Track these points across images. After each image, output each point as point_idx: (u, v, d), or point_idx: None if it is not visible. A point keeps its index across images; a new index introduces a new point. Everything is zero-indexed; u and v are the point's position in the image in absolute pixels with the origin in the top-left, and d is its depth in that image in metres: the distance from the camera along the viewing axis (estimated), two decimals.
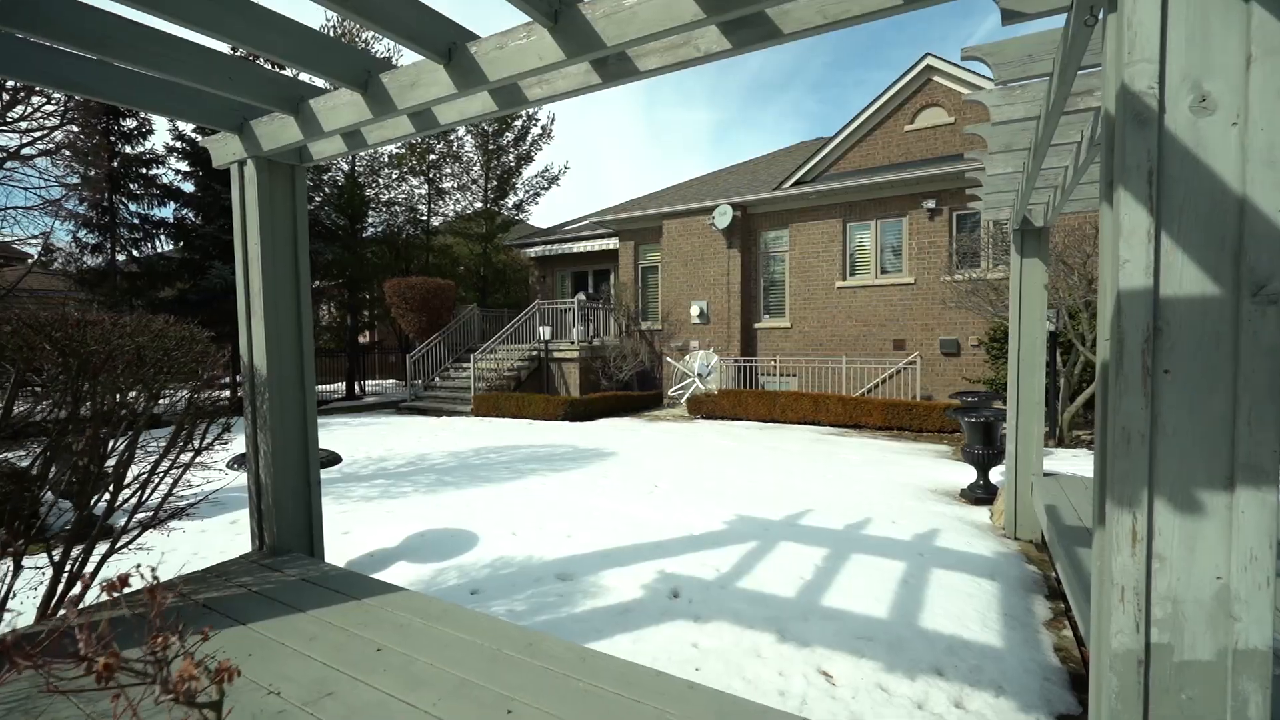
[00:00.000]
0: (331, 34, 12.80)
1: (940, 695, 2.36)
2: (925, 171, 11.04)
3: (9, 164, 9.85)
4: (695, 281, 13.75)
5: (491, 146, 19.94)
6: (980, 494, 5.19)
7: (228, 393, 8.41)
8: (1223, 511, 1.10)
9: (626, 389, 13.34)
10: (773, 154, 18.28)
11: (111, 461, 2.38)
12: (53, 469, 2.40)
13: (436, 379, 14.17)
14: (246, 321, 2.81)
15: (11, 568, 2.17)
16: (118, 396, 2.42)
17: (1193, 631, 1.11)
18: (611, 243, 16.01)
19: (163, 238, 14.10)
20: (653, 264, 15.17)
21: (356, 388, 16.99)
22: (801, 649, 2.69)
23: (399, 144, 18.33)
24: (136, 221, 13.58)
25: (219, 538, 4.18)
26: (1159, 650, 1.13)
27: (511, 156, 20.53)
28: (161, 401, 2.61)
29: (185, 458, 2.53)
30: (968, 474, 5.93)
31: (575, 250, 17.12)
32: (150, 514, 2.45)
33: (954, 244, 11.16)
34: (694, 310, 13.58)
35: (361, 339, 19.74)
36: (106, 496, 2.43)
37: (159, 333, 2.45)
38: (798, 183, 12.78)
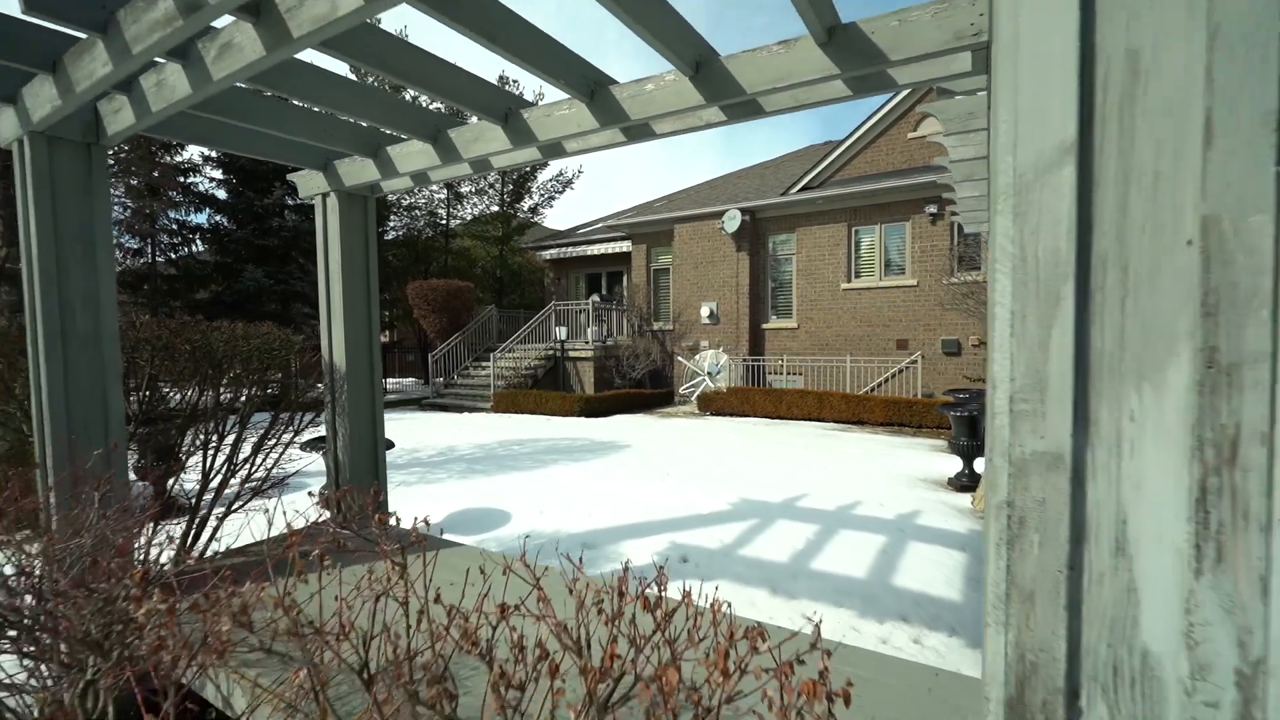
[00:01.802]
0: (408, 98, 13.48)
1: (902, 635, 2.87)
2: (927, 178, 11.45)
3: None
4: (705, 283, 14.25)
5: None
6: (965, 481, 5.68)
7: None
8: None
9: (639, 387, 13.87)
10: (781, 158, 18.72)
11: (230, 439, 2.95)
12: (185, 442, 2.97)
13: (457, 377, 14.78)
14: (327, 326, 3.38)
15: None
16: (233, 387, 2.99)
17: None
18: (624, 245, 16.53)
19: (198, 242, 14.86)
20: (664, 266, 15.68)
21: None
22: (790, 600, 3.22)
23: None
24: (175, 227, 14.34)
25: (300, 505, 4.77)
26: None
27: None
28: (264, 391, 3.18)
29: (285, 437, 3.09)
30: (957, 465, 6.40)
31: (589, 253, 17.65)
32: (258, 483, 3.02)
33: (955, 248, 11.58)
34: (704, 311, 14.08)
35: (383, 338, 20.47)
36: (224, 467, 3.00)
37: (265, 336, 3.02)
38: (805, 188, 13.24)
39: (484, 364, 14.56)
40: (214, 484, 2.91)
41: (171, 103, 2.05)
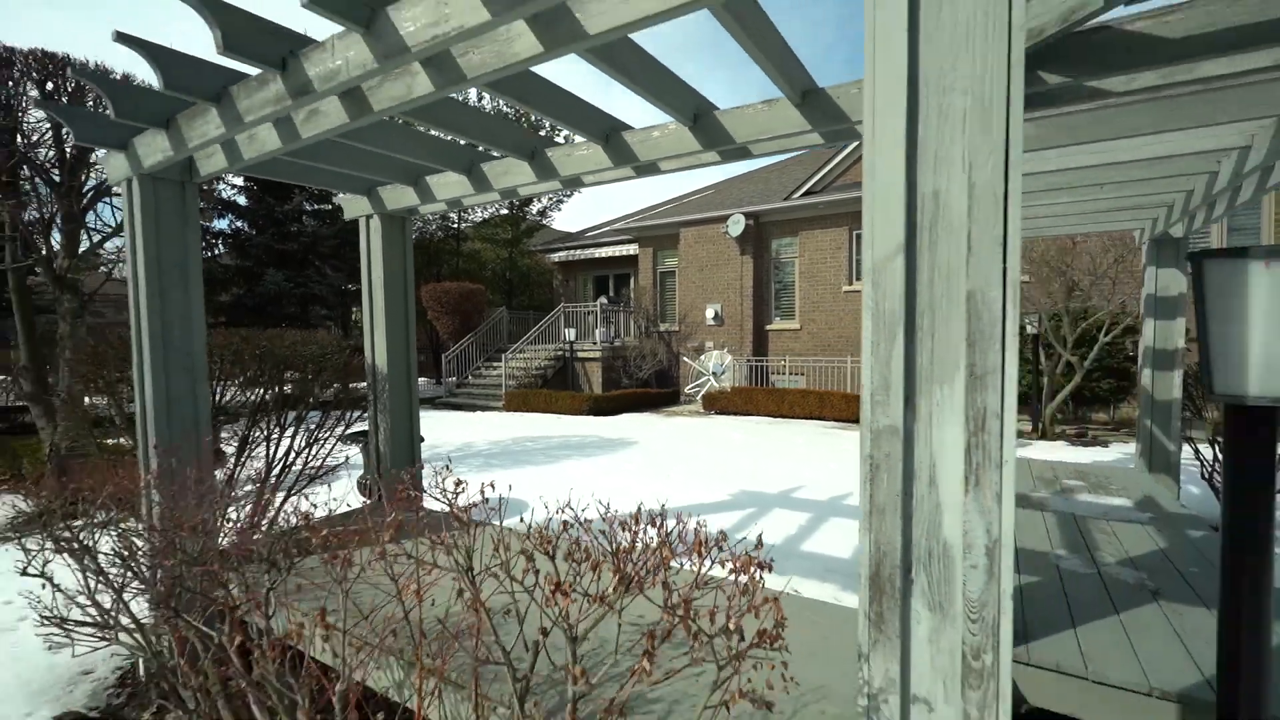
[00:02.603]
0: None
1: None
2: None
3: None
4: (710, 286, 14.64)
5: None
6: None
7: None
8: None
9: (646, 386, 14.28)
10: (784, 163, 19.06)
11: (290, 431, 3.38)
12: (251, 435, 3.41)
13: (469, 377, 15.24)
14: (371, 333, 3.82)
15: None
16: (294, 387, 3.43)
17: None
18: (631, 248, 16.93)
19: (220, 246, 15.40)
20: (670, 269, 16.08)
21: None
22: (780, 577, 3.61)
23: None
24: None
25: (339, 491, 5.22)
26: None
27: None
28: (312, 391, 3.62)
29: (335, 430, 3.52)
30: None
31: (597, 255, 18.07)
32: (314, 470, 3.45)
33: None
34: (709, 313, 14.48)
35: None
36: (285, 456, 3.44)
37: (320, 343, 3.46)
38: (807, 193, 13.61)
39: (495, 364, 15.01)
40: (276, 470, 3.35)
41: (261, 154, 2.49)
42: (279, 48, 1.91)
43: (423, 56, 1.66)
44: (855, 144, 13.35)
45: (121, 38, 1.96)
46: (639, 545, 1.22)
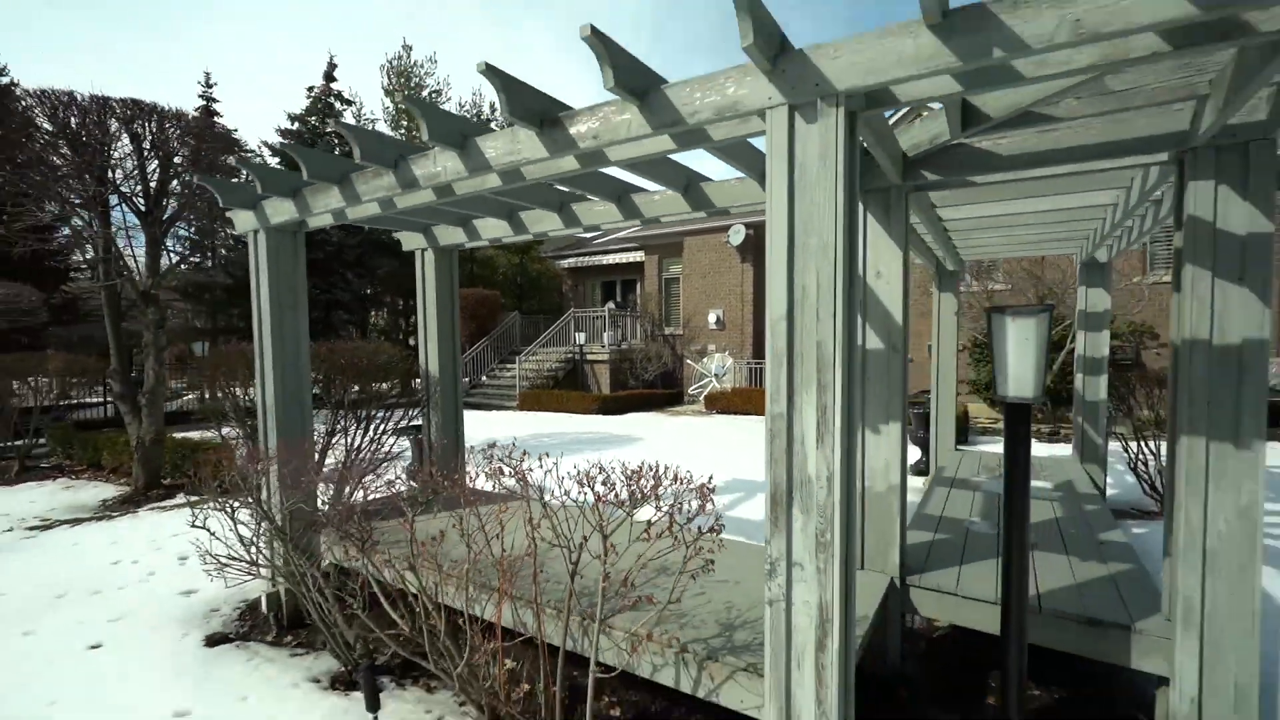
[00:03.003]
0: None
1: None
2: None
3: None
4: (712, 292, 15.46)
5: None
6: (922, 466, 6.85)
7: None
8: (890, 432, 2.84)
9: (651, 387, 15.11)
10: None
11: (363, 425, 4.23)
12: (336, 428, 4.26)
13: (484, 378, 16.11)
14: (424, 344, 4.66)
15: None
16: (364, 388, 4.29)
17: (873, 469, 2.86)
18: (638, 255, 17.75)
19: None
20: (675, 275, 16.90)
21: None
22: (760, 544, 4.43)
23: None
24: (231, 241, 15.81)
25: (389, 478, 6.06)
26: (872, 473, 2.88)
27: None
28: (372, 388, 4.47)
29: (391, 425, 4.36)
30: (916, 454, 7.57)
31: (605, 262, 18.90)
32: (380, 459, 4.29)
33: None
34: (711, 318, 15.29)
35: (410, 341, 21.86)
36: (360, 444, 4.29)
37: (388, 353, 4.30)
38: None
39: (509, 366, 15.87)
40: (355, 455, 4.20)
41: (361, 217, 3.34)
42: (394, 153, 2.75)
43: (497, 170, 2.49)
44: None
45: (279, 150, 2.80)
46: (642, 479, 2.04)
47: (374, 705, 2.45)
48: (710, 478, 2.14)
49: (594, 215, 3.71)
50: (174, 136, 6.59)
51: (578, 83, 41.32)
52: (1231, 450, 2.14)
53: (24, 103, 6.39)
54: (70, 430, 8.57)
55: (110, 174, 6.40)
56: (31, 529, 5.62)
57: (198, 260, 15.47)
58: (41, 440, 8.87)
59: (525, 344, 17.17)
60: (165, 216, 6.54)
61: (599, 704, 2.63)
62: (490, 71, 2.02)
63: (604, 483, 2.09)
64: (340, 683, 2.92)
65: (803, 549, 1.81)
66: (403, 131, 18.87)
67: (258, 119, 41.12)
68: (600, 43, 1.80)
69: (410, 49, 18.83)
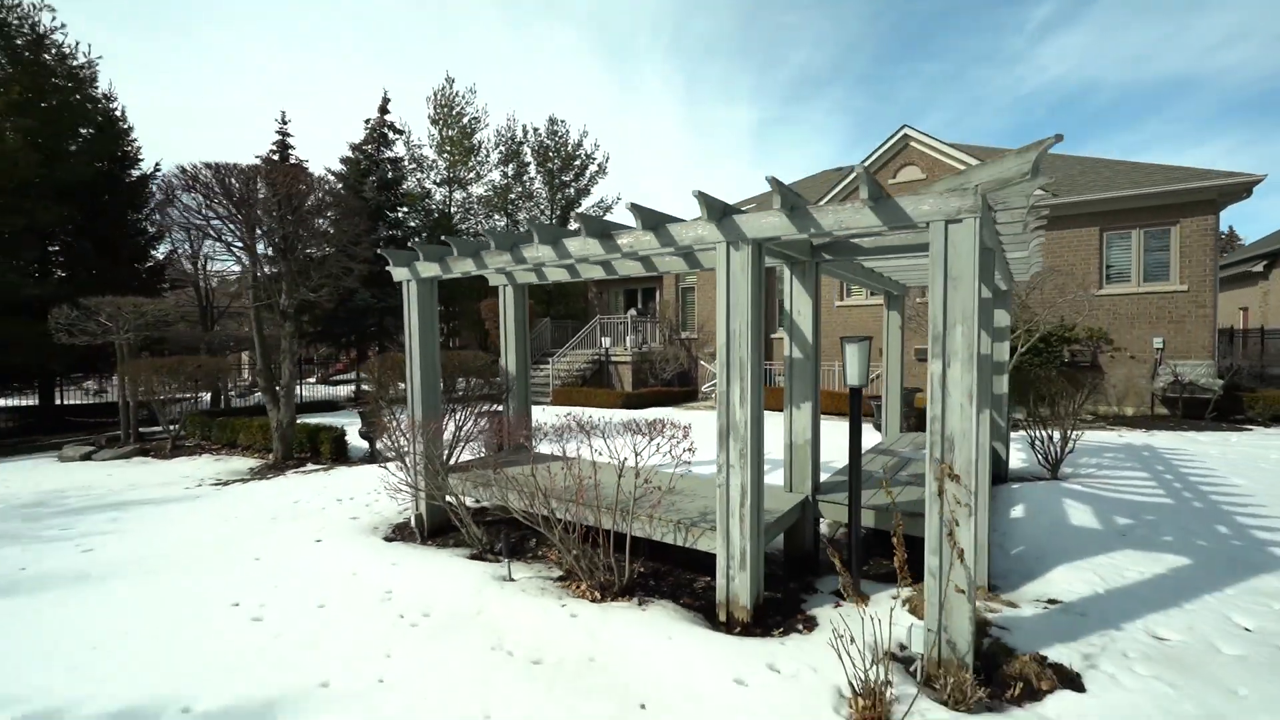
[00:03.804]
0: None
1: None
2: None
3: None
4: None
5: (556, 182, 23.89)
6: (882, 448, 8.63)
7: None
8: (805, 409, 4.71)
9: (669, 386, 16.97)
10: (794, 185, 21.54)
11: (467, 406, 6.18)
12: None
13: None
14: (505, 350, 6.60)
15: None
16: (464, 382, 6.25)
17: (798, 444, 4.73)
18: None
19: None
20: (690, 285, 18.74)
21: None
22: None
23: (489, 190, 22.50)
24: (301, 257, 18.08)
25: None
26: (798, 449, 4.75)
27: (573, 190, 24.43)
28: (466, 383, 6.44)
29: (481, 411, 6.31)
30: (878, 437, 9.35)
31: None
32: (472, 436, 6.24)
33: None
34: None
35: (451, 344, 23.99)
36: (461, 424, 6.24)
37: (481, 359, 6.25)
38: None
39: (543, 366, 17.87)
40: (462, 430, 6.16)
41: (481, 271, 5.30)
42: (512, 241, 4.69)
43: (574, 258, 4.40)
44: (843, 183, 15.72)
45: (499, 232, 4.78)
46: (657, 431, 3.94)
47: (508, 563, 4.38)
48: (689, 426, 4.03)
49: (626, 268, 5.62)
50: (300, 193, 8.67)
51: (597, 84, 43.32)
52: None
53: (197, 172, 8.49)
54: (206, 418, 10.75)
55: (259, 226, 8.50)
56: (215, 485, 7.73)
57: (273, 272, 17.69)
58: (174, 425, 11.06)
59: (555, 347, 19.14)
60: (300, 254, 8.61)
61: (632, 567, 4.52)
62: (582, 217, 3.94)
63: (634, 429, 3.99)
64: (477, 558, 4.86)
65: (735, 457, 3.69)
66: (446, 158, 20.99)
67: (316, 143, 43.87)
68: (636, 211, 3.70)
69: (453, 81, 20.96)
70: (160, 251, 17.08)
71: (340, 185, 17.97)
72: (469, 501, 5.69)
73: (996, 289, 7.22)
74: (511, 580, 4.29)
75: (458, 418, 5.90)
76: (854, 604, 3.58)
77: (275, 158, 18.05)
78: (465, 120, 21.19)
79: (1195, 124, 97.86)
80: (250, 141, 67.46)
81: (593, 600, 3.97)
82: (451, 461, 5.50)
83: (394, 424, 5.66)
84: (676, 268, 5.33)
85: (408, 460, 5.38)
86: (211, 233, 8.56)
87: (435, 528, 5.53)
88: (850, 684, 2.73)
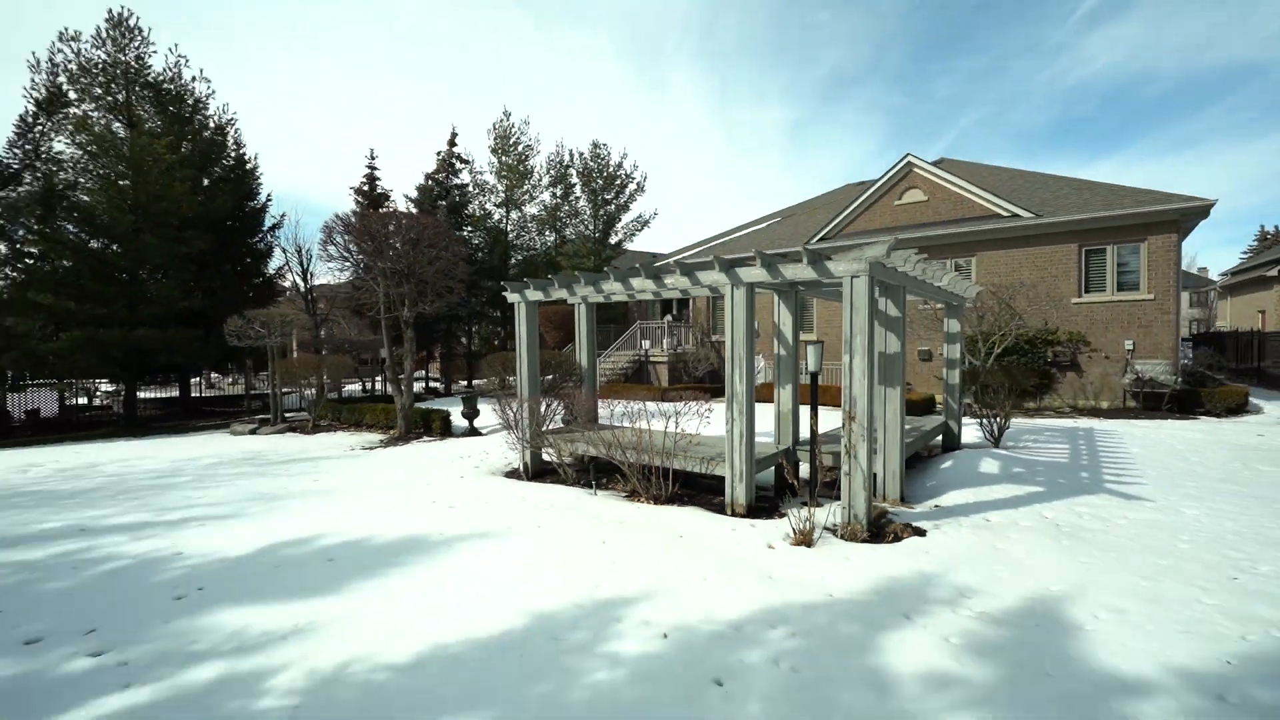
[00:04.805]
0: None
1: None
2: (908, 234, 16.36)
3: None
4: (764, 302, 19.54)
5: (600, 200, 26.49)
6: None
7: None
8: (787, 389, 7.08)
9: (701, 383, 19.32)
10: (813, 200, 23.67)
11: (552, 390, 8.69)
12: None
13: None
14: (579, 350, 9.11)
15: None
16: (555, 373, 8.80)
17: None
18: (704, 260, 21.98)
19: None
20: (721, 293, 21.05)
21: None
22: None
23: (540, 209, 25.30)
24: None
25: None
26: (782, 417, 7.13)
27: (613, 206, 27.00)
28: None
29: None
30: None
31: None
32: (556, 411, 8.75)
33: None
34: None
35: (508, 347, 26.83)
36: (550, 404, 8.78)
37: (559, 357, 8.75)
38: (820, 240, 18.32)
39: None
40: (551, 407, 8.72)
41: (565, 298, 7.81)
42: (594, 279, 7.19)
43: (636, 291, 6.85)
44: (859, 201, 17.95)
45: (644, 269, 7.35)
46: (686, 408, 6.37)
47: (594, 487, 6.87)
48: (711, 409, 6.45)
49: (668, 291, 8.06)
50: (414, 230, 11.39)
51: (626, 85, 45.85)
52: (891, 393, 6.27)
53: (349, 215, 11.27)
54: (335, 404, 13.63)
55: (388, 254, 11.24)
56: (363, 449, 10.48)
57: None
58: (302, 409, 13.97)
59: (600, 348, 21.72)
60: (419, 278, 11.35)
61: (673, 489, 6.90)
62: (644, 266, 6.43)
63: (670, 411, 6.44)
64: (569, 486, 7.35)
65: (735, 414, 6.08)
66: (504, 182, 23.83)
67: (396, 169, 47.55)
68: (678, 266, 6.16)
69: (509, 114, 23.77)
70: (270, 268, 20.33)
71: (416, 209, 20.92)
72: (552, 456, 8.20)
73: (960, 299, 9.37)
74: (595, 495, 6.78)
75: (547, 398, 8.44)
76: (810, 507, 5.93)
77: (365, 188, 21.13)
78: (520, 148, 23.97)
79: (1260, 111, 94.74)
80: (342, 169, 72.56)
81: (649, 504, 6.42)
82: (544, 428, 8.03)
83: (506, 402, 8.22)
84: (703, 294, 7.75)
85: (516, 428, 7.92)
86: (351, 261, 11.34)
87: (536, 471, 8.06)
88: (792, 530, 5.11)
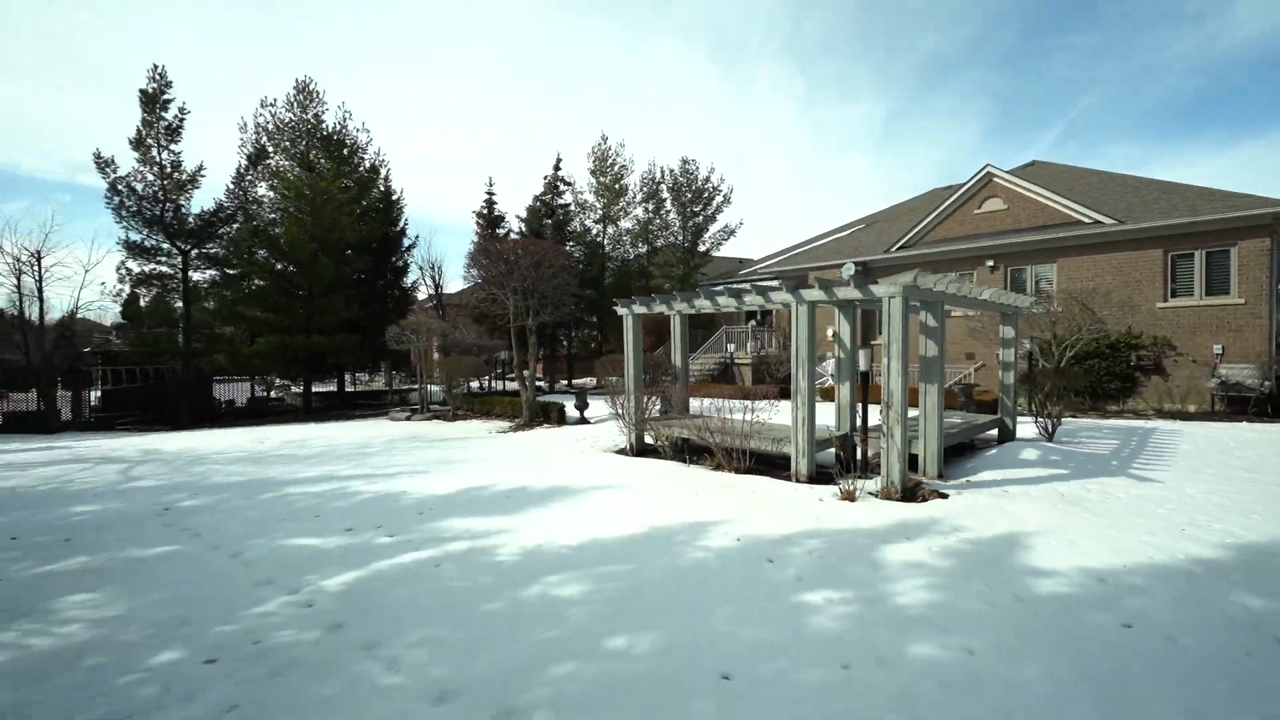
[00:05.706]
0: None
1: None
2: (987, 242, 17.04)
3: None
4: (828, 312, 20.67)
5: (688, 213, 28.37)
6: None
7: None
8: (846, 385, 8.64)
9: (782, 383, 20.68)
10: (897, 207, 24.31)
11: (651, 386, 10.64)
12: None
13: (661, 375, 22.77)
14: (674, 353, 11.03)
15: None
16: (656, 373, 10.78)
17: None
18: (773, 284, 23.40)
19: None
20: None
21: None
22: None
23: (634, 224, 27.61)
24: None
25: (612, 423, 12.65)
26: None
27: (701, 218, 28.78)
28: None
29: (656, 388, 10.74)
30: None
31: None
32: (654, 404, 10.69)
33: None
34: (829, 332, 20.53)
35: (603, 351, 29.33)
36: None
37: (659, 358, 10.69)
38: (901, 247, 19.22)
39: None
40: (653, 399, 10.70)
41: (664, 312, 9.75)
42: (689, 297, 9.08)
43: (721, 307, 8.66)
44: (939, 209, 18.77)
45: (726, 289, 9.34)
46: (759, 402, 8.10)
47: (687, 462, 8.75)
48: (776, 405, 8.15)
49: (747, 306, 9.81)
50: (537, 254, 13.77)
51: (714, 90, 47.40)
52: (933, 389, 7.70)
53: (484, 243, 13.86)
54: (469, 397, 16.40)
55: (516, 275, 13.71)
56: (497, 433, 12.96)
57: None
58: (437, 402, 16.79)
59: (691, 352, 23.57)
60: (542, 295, 13.75)
61: (750, 464, 8.61)
62: (727, 288, 8.26)
63: (749, 406, 8.20)
64: (667, 460, 9.27)
65: (800, 403, 7.74)
66: (601, 200, 26.28)
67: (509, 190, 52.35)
68: (754, 288, 7.93)
69: (606, 138, 26.20)
70: (406, 282, 23.86)
71: (526, 229, 23.77)
72: (652, 438, 10.15)
73: (1017, 309, 10.41)
74: (688, 467, 8.66)
75: (648, 392, 10.44)
76: (861, 478, 7.50)
77: (485, 211, 24.27)
78: (616, 168, 26.33)
79: None
80: (460, 187, 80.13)
81: (731, 473, 8.21)
82: (646, 415, 10.00)
83: (616, 395, 10.27)
84: (778, 306, 9.44)
85: (624, 415, 9.93)
86: (488, 281, 13.90)
87: (639, 450, 10.06)
88: (840, 490, 6.75)
